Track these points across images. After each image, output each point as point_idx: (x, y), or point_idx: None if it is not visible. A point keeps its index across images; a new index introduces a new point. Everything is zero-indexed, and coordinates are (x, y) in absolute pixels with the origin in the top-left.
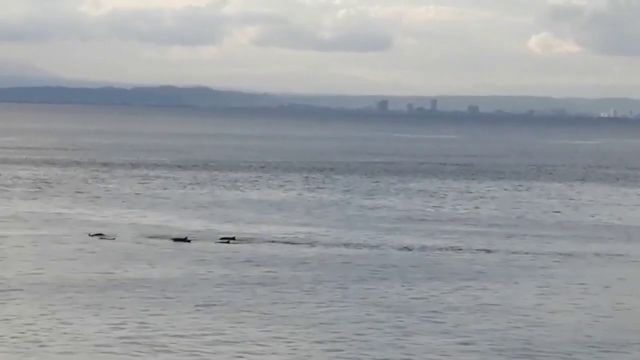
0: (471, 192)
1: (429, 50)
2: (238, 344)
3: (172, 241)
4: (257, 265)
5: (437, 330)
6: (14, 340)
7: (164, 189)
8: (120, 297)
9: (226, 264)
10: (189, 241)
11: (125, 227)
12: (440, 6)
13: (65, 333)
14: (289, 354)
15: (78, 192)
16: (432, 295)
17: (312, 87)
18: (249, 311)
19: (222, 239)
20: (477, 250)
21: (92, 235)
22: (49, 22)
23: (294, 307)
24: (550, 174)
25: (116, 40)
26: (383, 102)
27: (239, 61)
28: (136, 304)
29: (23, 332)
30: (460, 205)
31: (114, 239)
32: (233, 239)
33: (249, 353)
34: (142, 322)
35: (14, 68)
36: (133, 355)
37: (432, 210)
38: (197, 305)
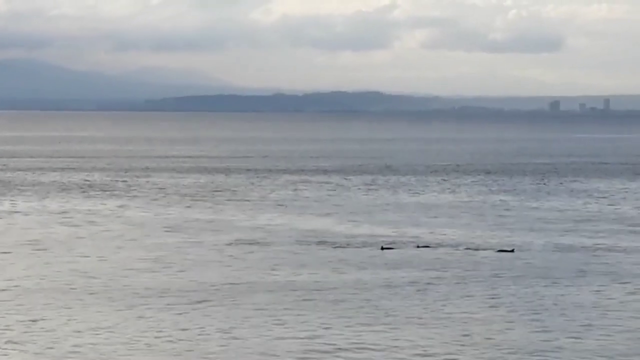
0: None
1: (602, 50)
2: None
3: (367, 248)
4: (430, 269)
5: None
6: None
7: (333, 195)
8: (303, 300)
9: (388, 268)
10: (389, 248)
11: (286, 231)
12: (614, 4)
13: (263, 335)
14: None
15: (244, 199)
16: (612, 298)
17: (483, 89)
18: (423, 314)
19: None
20: None
21: (246, 244)
22: (221, 30)
23: (473, 311)
24: None
25: (287, 47)
26: (555, 103)
27: (409, 65)
28: (318, 311)
29: (227, 340)
30: (628, 204)
31: (271, 244)
32: (426, 246)
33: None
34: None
35: (189, 77)
36: None
37: (598, 210)
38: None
